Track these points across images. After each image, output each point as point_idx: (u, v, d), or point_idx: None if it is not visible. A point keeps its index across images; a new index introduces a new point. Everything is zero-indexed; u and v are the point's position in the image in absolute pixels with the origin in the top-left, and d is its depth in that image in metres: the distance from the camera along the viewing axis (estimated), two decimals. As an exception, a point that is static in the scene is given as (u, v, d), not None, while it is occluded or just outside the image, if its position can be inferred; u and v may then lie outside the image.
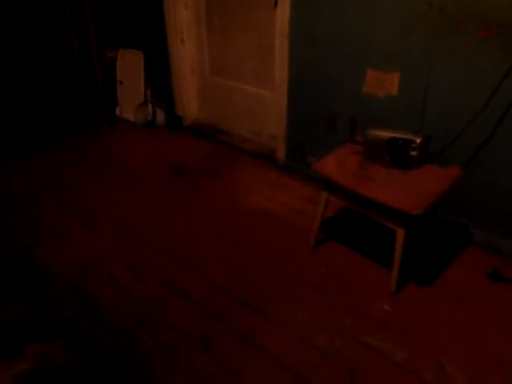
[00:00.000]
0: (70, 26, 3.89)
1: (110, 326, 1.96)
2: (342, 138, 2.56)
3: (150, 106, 3.73)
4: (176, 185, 2.99)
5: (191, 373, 1.75)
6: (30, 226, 2.61)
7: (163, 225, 2.60)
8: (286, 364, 1.76)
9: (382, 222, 1.98)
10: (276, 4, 2.68)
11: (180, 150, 3.44)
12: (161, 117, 3.78)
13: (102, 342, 1.88)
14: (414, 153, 2.01)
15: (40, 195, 2.91)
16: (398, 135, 2.04)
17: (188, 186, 2.97)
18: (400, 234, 1.93)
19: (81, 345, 1.87)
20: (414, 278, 2.15)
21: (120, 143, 3.58)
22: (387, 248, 2.06)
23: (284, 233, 2.51)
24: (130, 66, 3.77)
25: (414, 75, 2.25)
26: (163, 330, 1.93)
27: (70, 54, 3.99)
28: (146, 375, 1.75)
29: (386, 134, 2.06)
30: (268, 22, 2.88)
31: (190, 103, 3.70)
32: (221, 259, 2.32)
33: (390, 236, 1.98)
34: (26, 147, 3.52)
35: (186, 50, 3.48)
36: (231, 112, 3.51)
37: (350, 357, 1.77)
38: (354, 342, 1.84)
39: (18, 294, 2.14)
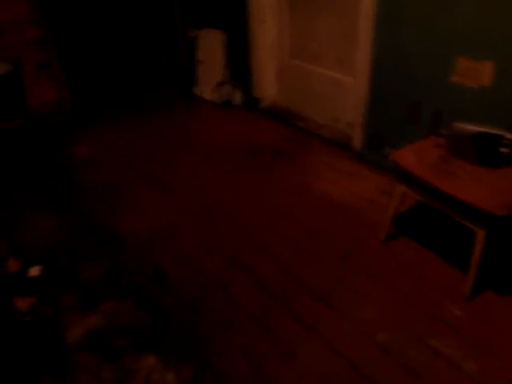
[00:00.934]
0: (160, 8, 4.01)
1: (176, 296, 2.04)
2: (423, 130, 2.43)
3: (228, 86, 3.78)
4: (249, 165, 3.02)
5: (248, 349, 1.78)
6: (110, 194, 2.77)
7: (234, 203, 2.65)
8: (345, 355, 1.73)
9: (460, 221, 1.86)
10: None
11: (255, 131, 3.46)
12: (238, 97, 3.82)
13: (167, 310, 1.97)
14: (504, 150, 1.86)
15: (121, 165, 3.07)
16: (487, 130, 1.89)
17: (261, 168, 2.99)
18: (480, 235, 1.80)
19: (148, 310, 1.97)
20: (491, 284, 2.01)
21: (197, 121, 3.68)
22: (464, 249, 1.94)
23: (354, 223, 2.45)
24: (211, 46, 3.83)
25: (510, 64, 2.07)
26: (226, 305, 1.97)
27: (154, 34, 4.12)
28: (205, 347, 1.80)
29: (473, 128, 1.92)
30: (353, 3, 2.78)
31: (268, 85, 3.70)
32: (288, 242, 2.32)
33: (468, 237, 1.86)
34: (111, 117, 3.72)
35: (267, 31, 3.46)
36: (308, 96, 3.46)
37: (414, 358, 1.70)
38: (420, 343, 1.76)
39: (95, 256, 2.29)
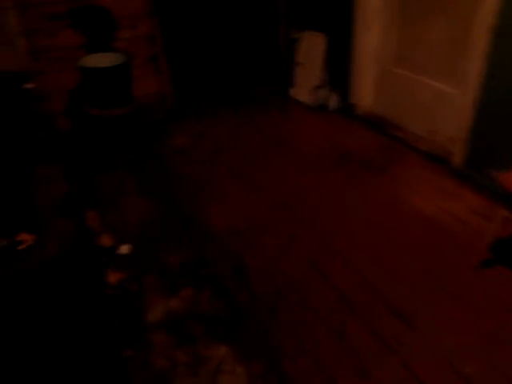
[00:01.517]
0: (265, 8, 4.07)
1: (254, 292, 2.05)
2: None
3: (324, 89, 3.74)
4: (339, 172, 2.96)
5: (319, 356, 1.74)
6: (200, 185, 2.87)
7: (319, 207, 2.61)
8: (423, 382, 1.62)
9: None
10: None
11: (348, 137, 3.38)
12: (333, 102, 3.76)
13: (243, 305, 1.99)
14: None
15: (213, 157, 3.17)
16: None
17: (351, 176, 2.91)
18: None
19: (224, 301, 2.01)
20: None
21: (291, 122, 3.68)
22: None
23: (446, 244, 2.29)
24: (311, 49, 3.81)
25: None
26: (301, 309, 1.95)
27: (259, 32, 4.19)
28: (277, 347, 1.79)
29: None
30: (470, 9, 2.59)
31: (366, 92, 3.59)
32: (372, 254, 2.23)
33: None
34: (207, 111, 3.85)
35: (371, 36, 3.36)
36: (408, 107, 3.30)
37: (503, 397, 1.55)
38: None
39: (180, 243, 2.38)
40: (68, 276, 1.16)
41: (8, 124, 1.82)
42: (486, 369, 1.65)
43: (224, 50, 4.12)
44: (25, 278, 1.10)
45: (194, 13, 3.86)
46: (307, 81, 3.87)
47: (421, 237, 2.34)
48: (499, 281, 2.05)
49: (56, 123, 3.21)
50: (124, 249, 2.35)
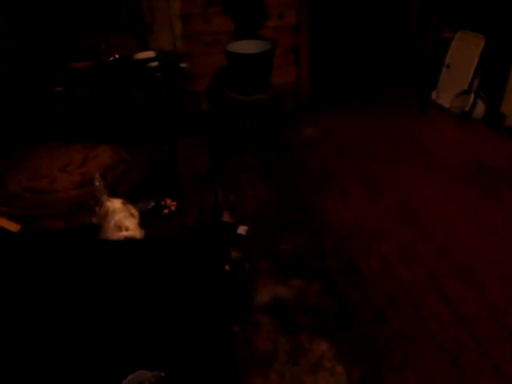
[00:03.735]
0: (416, 3, 3.87)
1: (365, 294, 2.00)
2: None
3: (472, 95, 3.44)
4: (474, 186, 2.71)
5: (426, 375, 1.64)
6: (323, 178, 2.86)
7: (446, 221, 2.43)
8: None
9: None
10: None
11: (491, 150, 3.07)
12: (480, 110, 3.44)
13: (353, 305, 1.95)
14: None
15: (340, 153, 3.13)
16: None
17: (488, 192, 2.65)
18: None
19: (333, 298, 1.99)
20: None
21: (427, 127, 3.46)
22: None
23: None
24: (464, 50, 3.52)
25: None
26: (413, 322, 1.85)
27: (405, 29, 4.00)
28: (381, 355, 1.73)
29: None
30: None
31: (521, 102, 3.22)
32: (502, 279, 2.02)
33: None
34: (341, 107, 3.81)
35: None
36: None
37: None
38: None
39: (295, 232, 2.41)
40: (202, 246, 1.24)
41: (165, 98, 2.01)
42: None
43: (364, 47, 4.01)
44: (167, 241, 1.20)
45: (340, 6, 3.81)
46: (453, 85, 3.59)
47: None
48: None
49: (200, 102, 3.45)
50: (242, 229, 2.45)
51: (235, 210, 2.57)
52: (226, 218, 2.49)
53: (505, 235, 2.30)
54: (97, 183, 1.23)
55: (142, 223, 1.20)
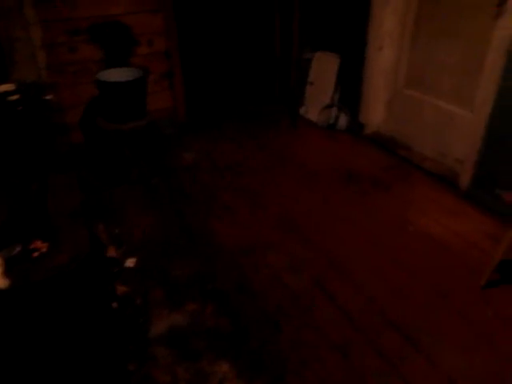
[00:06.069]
0: (278, 28, 4.16)
1: (258, 308, 2.05)
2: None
3: (334, 109, 3.77)
4: (345, 190, 2.97)
5: (322, 374, 1.73)
6: (208, 200, 2.89)
7: (325, 226, 2.61)
8: (427, 404, 1.60)
9: None
10: (499, 14, 2.40)
11: (356, 157, 3.40)
12: (343, 121, 3.79)
13: (247, 321, 1.98)
14: None
15: (222, 173, 3.19)
16: None
17: (358, 195, 2.91)
18: None
19: (228, 317, 2.01)
20: None
21: (299, 140, 3.71)
22: None
23: (453, 264, 2.28)
24: (324, 69, 3.86)
25: None
26: (305, 327, 1.94)
27: (272, 51, 4.27)
28: (281, 364, 1.78)
29: None
30: (483, 33, 2.62)
31: (376, 112, 3.62)
32: (378, 274, 2.23)
33: None
34: (218, 127, 3.90)
35: (384, 58, 3.40)
36: (417, 127, 3.32)
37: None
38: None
39: (185, 257, 2.39)
40: (80, 286, 1.17)
41: (27, 132, 1.87)
42: (491, 394, 1.63)
43: (236, 68, 4.20)
44: (38, 286, 1.11)
45: (209, 31, 3.95)
46: (318, 100, 3.91)
47: (427, 256, 2.34)
48: (506, 301, 2.03)
49: (70, 135, 3.28)
50: (130, 262, 2.36)
51: (122, 243, 2.47)
52: (111, 252, 2.39)
53: (372, 232, 2.54)
54: None
55: (8, 271, 1.10)
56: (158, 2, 3.43)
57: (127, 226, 2.64)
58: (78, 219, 1.29)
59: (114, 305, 1.83)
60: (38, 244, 1.22)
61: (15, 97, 2.15)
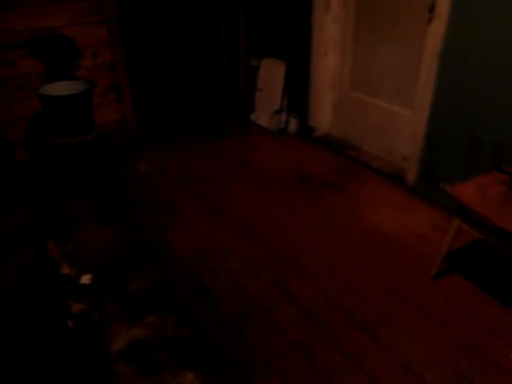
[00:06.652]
0: (224, 37, 4.20)
1: (219, 315, 2.05)
2: (483, 166, 2.35)
3: (284, 114, 3.85)
4: (299, 192, 3.03)
5: (287, 375, 1.75)
6: (163, 211, 2.86)
7: (282, 228, 2.65)
8: (387, 392, 1.66)
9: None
10: (431, 20, 2.56)
11: (307, 159, 3.47)
12: (293, 125, 3.87)
13: (210, 328, 1.98)
14: None
15: (176, 183, 3.17)
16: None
17: (311, 196, 2.98)
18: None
19: (190, 326, 1.99)
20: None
21: (251, 146, 3.75)
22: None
23: (404, 257, 2.38)
24: (271, 75, 3.93)
25: None
26: (267, 329, 1.96)
27: (219, 59, 4.30)
28: (244, 367, 1.79)
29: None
30: (418, 38, 2.77)
31: (324, 115, 3.72)
32: (335, 272, 2.28)
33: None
34: (170, 137, 3.88)
35: (328, 63, 3.51)
36: (364, 128, 3.45)
37: (463, 403, 1.61)
38: (469, 387, 1.66)
39: (143, 270, 2.35)
40: (30, 305, 1.14)
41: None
42: (446, 375, 1.70)
43: (185, 78, 4.20)
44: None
45: (156, 42, 3.93)
46: (267, 106, 3.97)
47: (379, 251, 2.42)
48: (456, 289, 2.14)
49: (14, 152, 3.15)
50: (85, 278, 2.30)
51: (77, 260, 2.40)
52: (65, 270, 2.32)
53: (326, 231, 2.61)
54: None
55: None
56: (102, 14, 3.38)
57: (81, 242, 2.57)
58: (24, 238, 1.24)
59: (70, 323, 1.77)
60: (-16, 265, 1.17)
61: None
